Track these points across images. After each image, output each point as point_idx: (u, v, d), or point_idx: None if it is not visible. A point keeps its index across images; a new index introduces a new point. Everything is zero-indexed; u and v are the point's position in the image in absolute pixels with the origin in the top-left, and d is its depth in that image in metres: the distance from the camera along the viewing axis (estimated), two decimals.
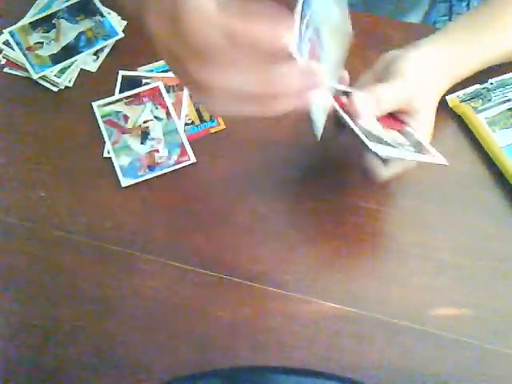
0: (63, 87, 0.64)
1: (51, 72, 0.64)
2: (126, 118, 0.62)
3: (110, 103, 0.63)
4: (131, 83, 0.64)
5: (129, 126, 0.62)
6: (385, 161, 0.52)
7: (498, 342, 0.52)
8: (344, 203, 0.58)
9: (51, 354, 0.52)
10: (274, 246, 0.56)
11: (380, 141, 0.49)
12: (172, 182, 0.59)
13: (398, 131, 0.53)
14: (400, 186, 0.59)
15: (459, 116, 0.62)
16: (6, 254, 0.57)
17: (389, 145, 0.49)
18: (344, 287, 0.54)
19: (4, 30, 0.67)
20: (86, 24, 0.67)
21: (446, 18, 0.83)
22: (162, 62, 0.65)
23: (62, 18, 0.68)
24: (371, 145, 0.46)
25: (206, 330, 0.53)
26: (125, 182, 0.59)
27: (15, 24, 0.67)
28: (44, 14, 0.68)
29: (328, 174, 0.59)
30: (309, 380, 0.46)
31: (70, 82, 0.65)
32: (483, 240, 0.57)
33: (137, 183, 0.59)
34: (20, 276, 0.56)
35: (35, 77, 0.64)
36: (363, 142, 0.46)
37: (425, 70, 0.55)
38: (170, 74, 0.64)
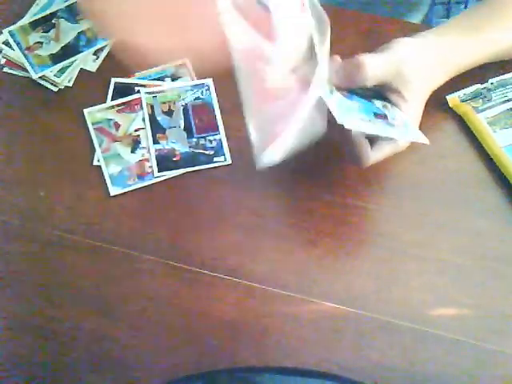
0: (63, 87, 0.64)
1: (51, 72, 0.64)
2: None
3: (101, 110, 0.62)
4: (124, 90, 0.63)
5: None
6: (371, 142, 0.51)
7: (498, 342, 0.52)
8: (344, 203, 0.58)
9: (51, 354, 0.52)
10: (274, 246, 0.56)
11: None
12: (171, 182, 0.59)
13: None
14: (400, 185, 0.59)
15: (459, 116, 0.62)
16: (6, 254, 0.57)
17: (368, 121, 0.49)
18: (344, 287, 0.54)
19: (3, 30, 0.66)
20: (85, 24, 0.67)
21: (445, 20, 0.84)
22: (157, 69, 0.64)
23: (62, 17, 0.67)
24: (340, 117, 0.45)
25: (205, 330, 0.53)
26: (114, 190, 0.59)
27: (15, 24, 0.67)
28: (44, 14, 0.68)
29: (328, 174, 0.59)
30: (309, 380, 0.46)
31: (69, 81, 0.65)
32: (483, 240, 0.57)
33: None
34: (20, 276, 0.56)
35: (35, 77, 0.64)
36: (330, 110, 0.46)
37: (416, 56, 0.55)
38: (163, 82, 0.64)
